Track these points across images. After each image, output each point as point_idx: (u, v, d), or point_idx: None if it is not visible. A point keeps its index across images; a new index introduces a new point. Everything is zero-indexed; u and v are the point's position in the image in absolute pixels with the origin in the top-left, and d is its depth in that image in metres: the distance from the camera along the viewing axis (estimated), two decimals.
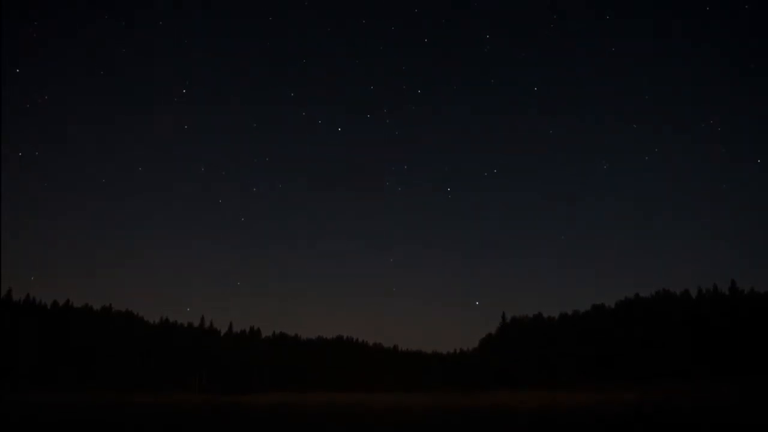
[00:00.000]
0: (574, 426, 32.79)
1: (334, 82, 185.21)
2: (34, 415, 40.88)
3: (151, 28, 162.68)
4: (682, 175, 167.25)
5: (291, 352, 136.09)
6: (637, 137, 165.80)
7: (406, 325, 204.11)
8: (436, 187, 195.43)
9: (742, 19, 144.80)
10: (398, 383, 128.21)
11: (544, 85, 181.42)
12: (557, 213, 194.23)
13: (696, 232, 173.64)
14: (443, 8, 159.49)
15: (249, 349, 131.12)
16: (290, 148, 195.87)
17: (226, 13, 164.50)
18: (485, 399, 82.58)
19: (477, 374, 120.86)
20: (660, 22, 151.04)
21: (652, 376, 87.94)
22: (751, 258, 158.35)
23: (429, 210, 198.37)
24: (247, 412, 50.02)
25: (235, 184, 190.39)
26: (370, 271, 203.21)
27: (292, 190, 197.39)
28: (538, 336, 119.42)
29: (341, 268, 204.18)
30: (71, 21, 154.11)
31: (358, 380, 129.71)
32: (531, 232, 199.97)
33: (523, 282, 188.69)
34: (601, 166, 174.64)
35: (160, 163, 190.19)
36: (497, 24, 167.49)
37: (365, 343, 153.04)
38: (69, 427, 30.59)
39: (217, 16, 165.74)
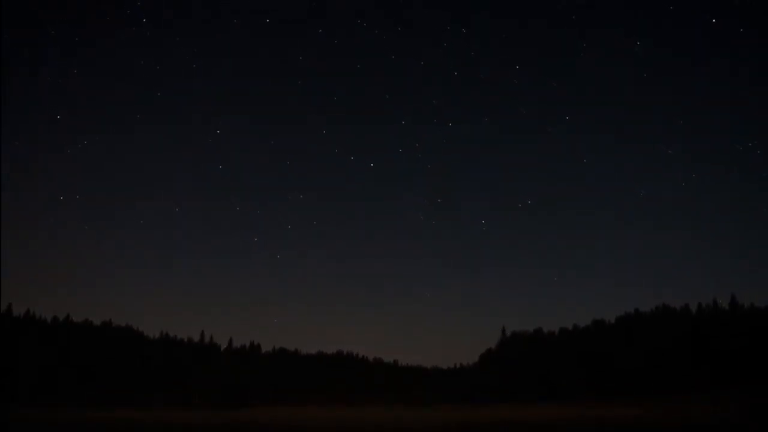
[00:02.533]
0: None
1: (364, 117, 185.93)
2: (33, 429, 40.99)
3: (185, 68, 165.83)
4: (682, 191, 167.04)
5: (291, 367, 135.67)
6: (670, 162, 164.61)
7: (407, 340, 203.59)
8: (470, 220, 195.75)
9: None
10: (398, 398, 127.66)
11: (576, 112, 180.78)
12: (558, 228, 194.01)
13: (696, 247, 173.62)
14: (471, 41, 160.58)
15: (249, 364, 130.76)
16: (323, 183, 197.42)
17: (255, 52, 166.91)
18: (486, 413, 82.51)
19: (477, 389, 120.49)
20: (691, 45, 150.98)
21: (652, 391, 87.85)
22: (751, 273, 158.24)
23: (465, 240, 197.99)
24: (247, 428, 50.09)
25: (266, 216, 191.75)
26: (370, 286, 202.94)
27: (321, 222, 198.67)
28: (539, 351, 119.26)
29: (342, 284, 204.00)
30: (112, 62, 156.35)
31: (359, 395, 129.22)
32: (532, 247, 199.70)
33: (523, 297, 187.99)
34: (638, 192, 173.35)
35: (164, 190, 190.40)
36: (527, 54, 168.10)
37: (365, 357, 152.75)
38: None
39: (247, 56, 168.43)
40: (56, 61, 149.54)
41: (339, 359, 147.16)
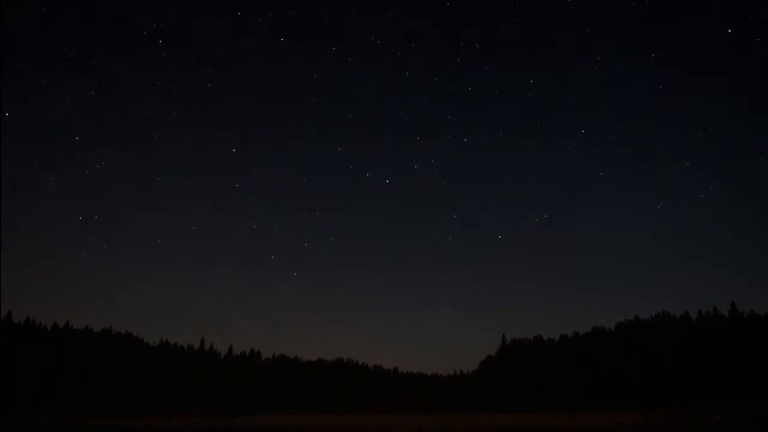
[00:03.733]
0: None
1: (380, 134, 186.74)
2: None
3: (201, 88, 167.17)
4: (683, 201, 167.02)
5: (291, 374, 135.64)
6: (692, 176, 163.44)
7: (407, 347, 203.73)
8: (486, 235, 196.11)
9: None
10: (398, 405, 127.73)
11: (593, 127, 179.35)
12: (557, 237, 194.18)
13: (696, 254, 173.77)
14: (486, 57, 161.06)
15: (249, 371, 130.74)
16: (340, 202, 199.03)
17: (271, 72, 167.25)
18: (485, 421, 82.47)
19: (477, 396, 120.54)
20: (708, 56, 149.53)
21: (652, 398, 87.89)
22: (750, 280, 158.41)
23: (475, 250, 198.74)
24: None
25: (283, 233, 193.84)
26: (371, 293, 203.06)
27: (338, 239, 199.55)
28: (538, 358, 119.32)
29: (342, 292, 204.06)
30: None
31: (358, 402, 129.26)
32: (531, 254, 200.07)
33: (523, 304, 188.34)
34: (656, 206, 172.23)
35: (164, 199, 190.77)
36: (543, 69, 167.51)
37: (365, 365, 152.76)
38: None
39: (263, 76, 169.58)
40: (74, 83, 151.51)
41: (339, 366, 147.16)
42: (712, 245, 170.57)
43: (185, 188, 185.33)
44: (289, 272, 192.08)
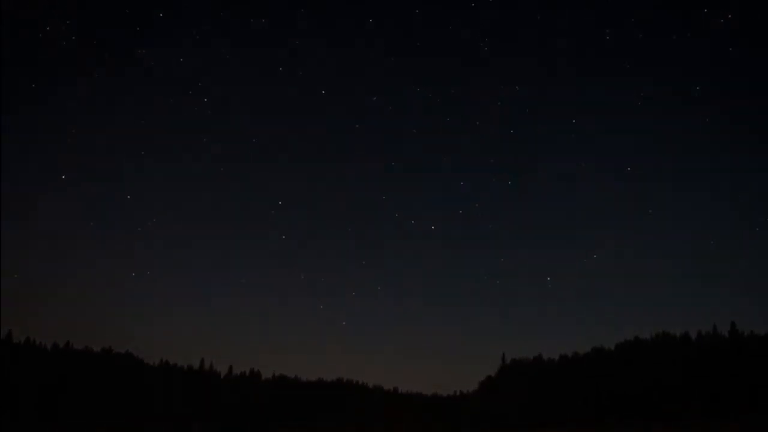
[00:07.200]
0: None
1: (422, 180, 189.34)
2: None
3: (245, 142, 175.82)
4: (682, 217, 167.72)
5: (291, 395, 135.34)
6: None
7: (406, 367, 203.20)
8: (533, 277, 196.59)
9: None
10: (398, 425, 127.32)
11: (637, 163, 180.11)
12: (557, 256, 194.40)
13: (697, 275, 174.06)
14: (526, 99, 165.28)
15: (249, 392, 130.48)
16: (385, 250, 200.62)
17: (311, 121, 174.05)
18: None
19: (477, 416, 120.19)
20: (752, 87, 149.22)
21: (652, 418, 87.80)
22: (750, 301, 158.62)
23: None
24: None
25: (329, 283, 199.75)
26: (371, 314, 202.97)
27: (385, 287, 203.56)
28: (539, 378, 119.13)
29: (341, 311, 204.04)
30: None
31: (358, 422, 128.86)
32: (530, 274, 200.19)
33: (522, 324, 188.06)
34: (709, 241, 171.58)
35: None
36: (582, 108, 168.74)
37: (365, 385, 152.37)
38: None
39: (303, 125, 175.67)
40: (125, 145, 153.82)
41: (339, 386, 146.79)
42: (712, 266, 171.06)
43: (229, 237, 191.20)
44: (336, 319, 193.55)
